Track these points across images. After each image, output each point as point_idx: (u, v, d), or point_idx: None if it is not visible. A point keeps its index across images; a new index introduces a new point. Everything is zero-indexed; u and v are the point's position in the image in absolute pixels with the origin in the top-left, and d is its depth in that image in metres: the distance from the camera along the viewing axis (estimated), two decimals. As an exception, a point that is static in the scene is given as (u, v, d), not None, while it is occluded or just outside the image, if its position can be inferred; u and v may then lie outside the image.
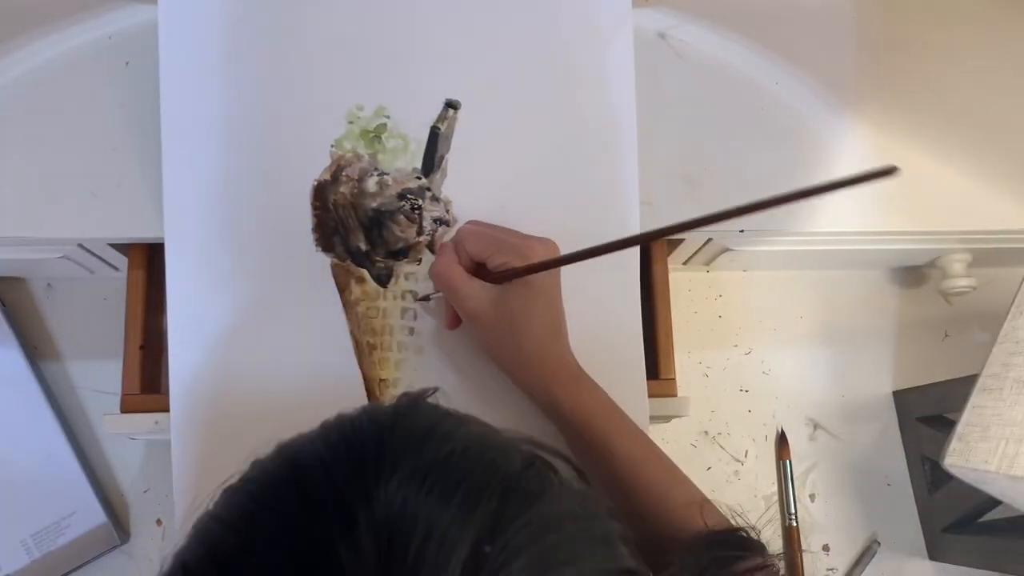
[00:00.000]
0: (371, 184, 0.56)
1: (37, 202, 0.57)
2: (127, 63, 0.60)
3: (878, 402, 0.74)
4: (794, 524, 0.69)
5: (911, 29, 0.69)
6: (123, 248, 0.62)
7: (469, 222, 0.54)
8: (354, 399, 0.56)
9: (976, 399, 0.51)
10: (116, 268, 0.65)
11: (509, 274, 0.49)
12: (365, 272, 0.56)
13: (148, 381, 0.61)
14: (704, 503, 0.47)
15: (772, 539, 0.69)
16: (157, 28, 0.57)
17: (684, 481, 0.49)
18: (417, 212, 0.56)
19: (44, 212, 0.57)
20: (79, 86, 0.60)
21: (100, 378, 0.67)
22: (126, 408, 0.59)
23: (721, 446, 0.71)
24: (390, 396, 0.56)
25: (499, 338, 0.51)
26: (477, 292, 0.50)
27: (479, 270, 0.51)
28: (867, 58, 0.67)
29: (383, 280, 0.56)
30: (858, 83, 0.66)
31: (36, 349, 0.68)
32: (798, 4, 0.68)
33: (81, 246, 0.60)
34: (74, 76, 0.60)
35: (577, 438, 0.50)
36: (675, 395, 0.61)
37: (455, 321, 0.54)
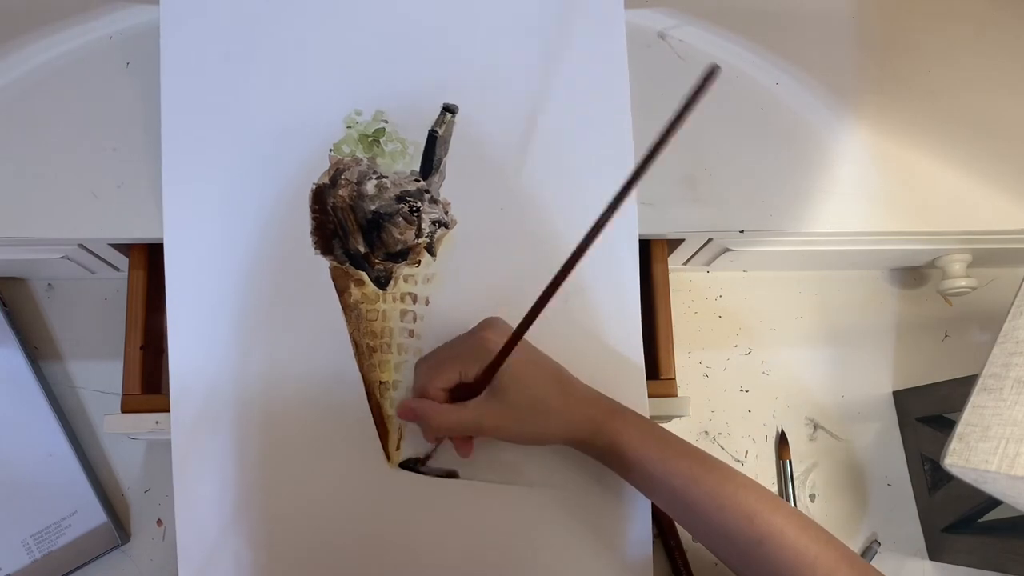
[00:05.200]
0: (370, 187, 0.56)
1: (37, 202, 0.57)
2: (128, 63, 0.60)
3: (878, 402, 0.74)
4: (794, 524, 0.69)
5: (911, 30, 0.69)
6: (124, 248, 0.62)
7: (418, 362, 0.53)
8: (354, 401, 0.56)
9: (976, 399, 0.51)
10: (117, 268, 0.66)
11: (487, 377, 0.50)
12: (364, 275, 0.56)
13: (149, 381, 0.61)
14: (754, 516, 0.47)
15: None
16: (158, 28, 0.57)
17: (738, 490, 0.49)
18: (416, 214, 0.56)
19: (45, 212, 0.57)
20: (79, 86, 0.60)
21: (101, 378, 0.67)
22: (127, 408, 0.59)
23: (721, 446, 0.71)
24: (390, 398, 0.56)
25: (526, 427, 0.51)
26: (481, 411, 0.50)
27: (457, 391, 0.52)
28: (867, 58, 0.67)
29: (382, 283, 0.56)
30: (858, 83, 0.66)
31: (37, 349, 0.68)
32: (798, 4, 0.68)
33: (82, 246, 0.60)
34: (74, 76, 0.60)
35: (634, 472, 0.51)
36: (675, 395, 0.61)
37: (469, 447, 0.54)
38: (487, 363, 0.49)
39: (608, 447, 0.51)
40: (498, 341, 0.49)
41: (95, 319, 0.69)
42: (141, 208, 0.58)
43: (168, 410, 0.55)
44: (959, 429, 0.51)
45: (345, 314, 0.56)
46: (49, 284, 0.70)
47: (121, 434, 0.61)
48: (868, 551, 0.70)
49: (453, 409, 0.51)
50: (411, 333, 0.57)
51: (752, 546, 0.47)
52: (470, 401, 0.51)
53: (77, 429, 0.66)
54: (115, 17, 0.61)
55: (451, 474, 0.56)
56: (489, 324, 0.52)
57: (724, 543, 0.49)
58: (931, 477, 0.70)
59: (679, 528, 0.68)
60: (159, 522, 0.66)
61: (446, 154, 0.57)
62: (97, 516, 0.63)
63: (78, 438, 0.66)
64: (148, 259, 0.62)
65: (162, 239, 0.56)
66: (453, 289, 0.57)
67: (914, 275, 0.77)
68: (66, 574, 0.63)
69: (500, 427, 0.50)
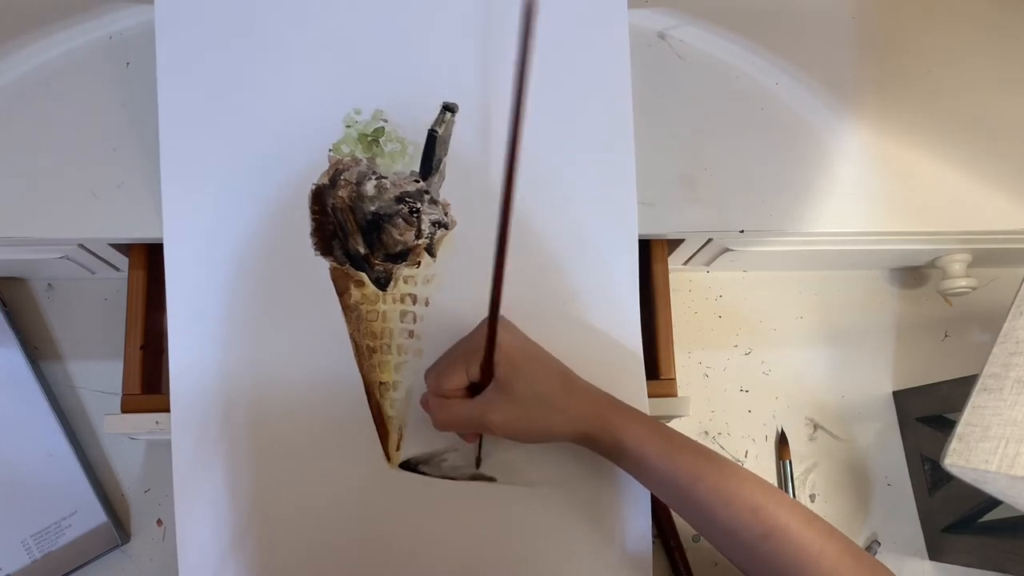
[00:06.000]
0: (369, 187, 0.56)
1: (37, 202, 0.57)
2: (127, 63, 0.60)
3: (878, 402, 0.74)
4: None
5: (911, 30, 0.69)
6: (124, 248, 0.62)
7: (426, 372, 0.53)
8: (354, 402, 0.56)
9: (976, 399, 0.51)
10: (117, 268, 0.66)
11: (487, 361, 0.50)
12: (364, 276, 0.56)
13: (149, 381, 0.61)
14: (759, 509, 0.47)
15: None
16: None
17: (743, 484, 0.49)
18: (416, 215, 0.56)
19: (44, 212, 0.57)
20: (79, 86, 0.60)
21: (101, 378, 0.67)
22: (127, 408, 0.59)
23: (721, 446, 0.71)
24: (390, 399, 0.56)
25: (532, 423, 0.50)
26: (487, 406, 0.50)
27: (470, 392, 0.52)
28: (867, 58, 0.67)
29: (382, 283, 0.56)
30: (858, 83, 0.66)
31: (37, 349, 0.68)
32: (798, 4, 0.68)
33: (82, 246, 0.60)
34: (74, 76, 0.60)
35: (639, 468, 0.51)
36: (675, 395, 0.61)
37: (474, 435, 0.55)
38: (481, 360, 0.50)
39: (613, 444, 0.51)
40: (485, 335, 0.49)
41: (95, 319, 0.69)
42: (141, 208, 0.58)
43: (168, 410, 0.55)
44: (959, 429, 0.51)
45: (345, 315, 0.56)
46: (49, 284, 0.70)
47: (121, 434, 0.61)
48: (868, 551, 0.69)
49: (458, 403, 0.51)
50: (411, 334, 0.57)
51: (757, 541, 0.47)
52: (476, 397, 0.51)
53: (77, 429, 0.66)
54: (115, 17, 0.61)
55: (452, 475, 0.56)
56: (486, 321, 0.52)
57: (729, 539, 0.49)
58: (931, 477, 0.70)
59: (679, 528, 0.68)
60: (159, 522, 0.66)
61: (446, 154, 0.57)
62: (97, 516, 0.63)
63: (78, 438, 0.66)
64: (148, 259, 0.62)
65: (162, 239, 0.56)
66: (453, 290, 0.57)
67: (914, 275, 0.77)
68: (66, 574, 0.63)
69: (506, 422, 0.50)
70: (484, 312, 0.53)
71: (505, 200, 0.43)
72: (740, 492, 0.48)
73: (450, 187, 0.57)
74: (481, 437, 0.56)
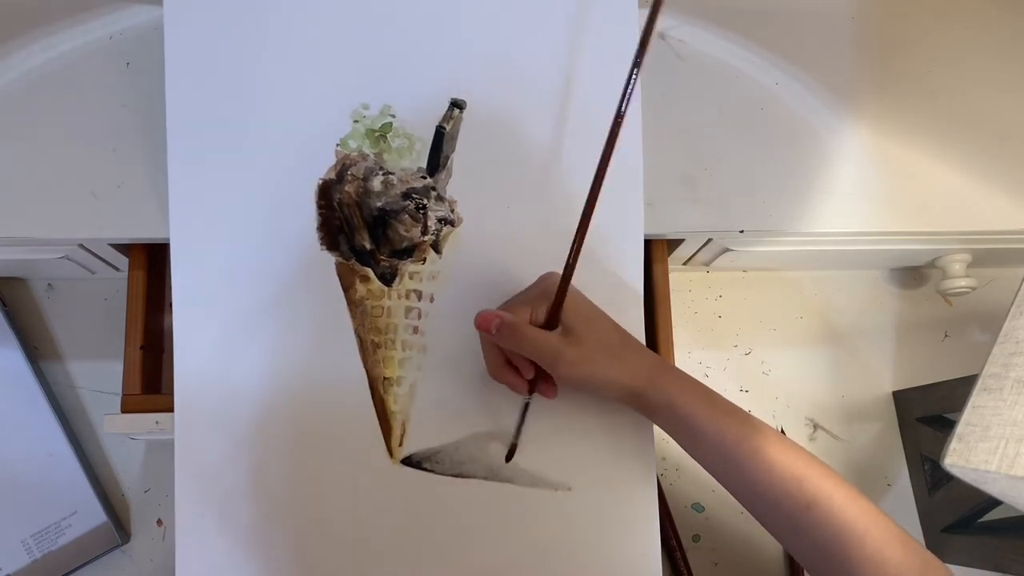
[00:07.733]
0: (376, 183, 0.56)
1: (37, 202, 0.57)
2: (128, 63, 0.60)
3: (878, 402, 0.74)
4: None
5: (911, 30, 0.69)
6: (124, 248, 0.62)
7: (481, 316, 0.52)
8: (358, 397, 0.56)
9: (976, 399, 0.51)
10: (117, 268, 0.66)
11: (554, 314, 0.50)
12: (370, 271, 0.56)
13: (149, 381, 0.61)
14: (803, 479, 0.47)
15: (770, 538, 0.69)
16: (158, 28, 0.57)
17: (786, 451, 0.48)
18: (422, 211, 0.56)
19: (44, 212, 0.57)
20: (79, 86, 0.60)
21: (101, 378, 0.67)
22: (127, 408, 0.59)
23: (721, 446, 0.71)
24: (393, 394, 0.56)
25: (596, 368, 0.50)
26: (565, 341, 0.50)
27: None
28: (867, 58, 0.67)
29: (388, 279, 0.56)
30: (858, 83, 0.66)
31: (37, 349, 0.68)
32: (798, 4, 0.68)
33: (82, 246, 0.60)
34: (74, 76, 0.60)
35: (684, 430, 0.51)
36: (676, 395, 0.61)
37: (555, 388, 0.54)
38: (552, 300, 0.50)
39: (663, 402, 0.50)
40: (554, 282, 0.50)
41: (95, 319, 0.69)
42: (141, 208, 0.58)
43: (168, 410, 0.55)
44: (959, 429, 0.51)
45: (350, 310, 0.56)
46: (49, 284, 0.70)
47: (121, 434, 0.61)
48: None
49: (535, 329, 0.50)
50: (415, 330, 0.57)
51: (800, 511, 0.46)
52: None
53: (77, 429, 0.66)
54: (115, 17, 0.61)
55: (454, 472, 0.56)
56: (548, 273, 0.53)
57: (772, 509, 0.48)
58: (931, 477, 0.70)
59: (679, 528, 0.68)
60: (159, 522, 0.66)
61: (453, 151, 0.57)
62: (97, 516, 0.63)
63: (78, 438, 0.66)
64: (148, 259, 0.62)
65: (162, 239, 0.56)
66: (458, 287, 0.57)
67: (914, 275, 0.78)
68: (66, 574, 0.63)
69: (575, 361, 0.50)
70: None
71: (606, 150, 0.49)
72: (784, 459, 0.48)
73: (457, 184, 0.57)
74: (522, 418, 0.55)
